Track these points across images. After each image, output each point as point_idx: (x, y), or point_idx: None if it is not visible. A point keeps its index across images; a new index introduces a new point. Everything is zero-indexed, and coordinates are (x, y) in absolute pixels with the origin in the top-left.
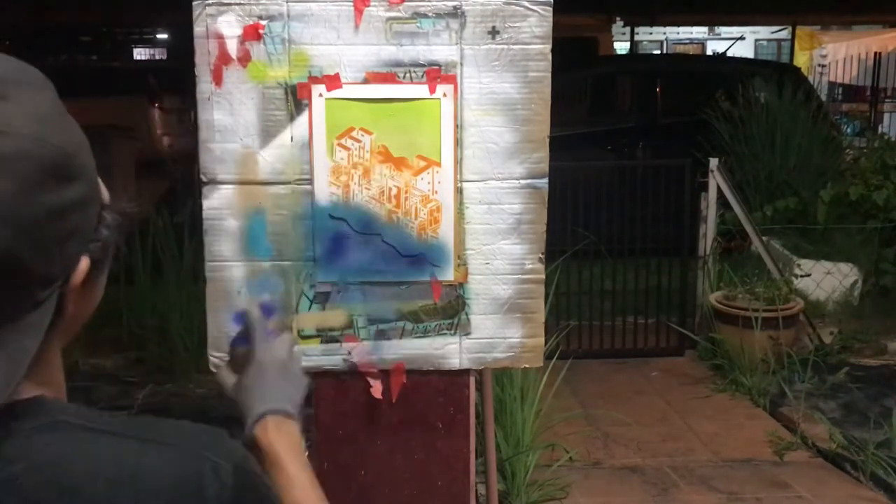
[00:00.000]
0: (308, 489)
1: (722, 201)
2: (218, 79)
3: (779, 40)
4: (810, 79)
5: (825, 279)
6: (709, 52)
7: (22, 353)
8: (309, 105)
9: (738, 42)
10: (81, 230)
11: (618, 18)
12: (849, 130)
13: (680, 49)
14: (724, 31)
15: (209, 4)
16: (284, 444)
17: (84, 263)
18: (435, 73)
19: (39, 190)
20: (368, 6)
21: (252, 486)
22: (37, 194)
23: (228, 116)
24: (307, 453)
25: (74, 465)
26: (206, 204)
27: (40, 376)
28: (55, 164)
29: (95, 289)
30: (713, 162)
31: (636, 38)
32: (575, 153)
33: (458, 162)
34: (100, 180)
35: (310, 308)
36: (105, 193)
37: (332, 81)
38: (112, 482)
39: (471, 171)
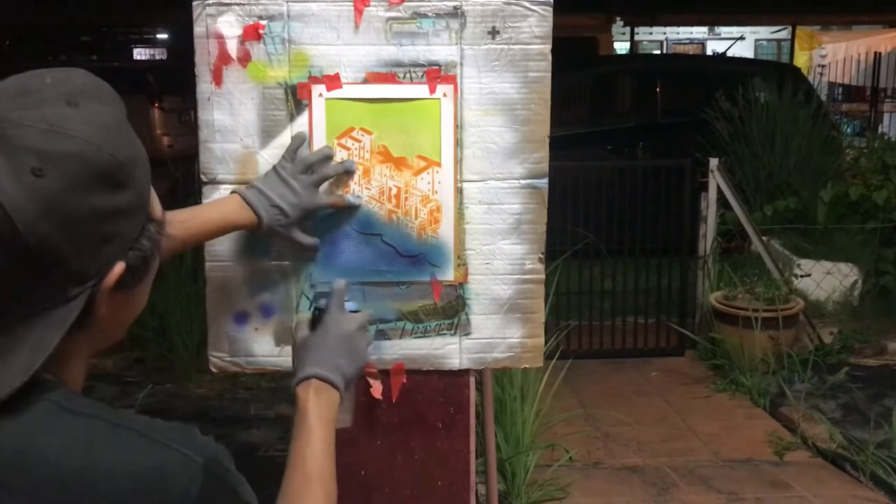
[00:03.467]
0: (321, 456)
1: (722, 201)
2: (218, 79)
3: (779, 40)
4: (810, 79)
5: (825, 279)
6: (709, 52)
7: (44, 345)
8: (309, 105)
9: (738, 42)
10: (122, 236)
11: (618, 18)
12: (849, 130)
13: (680, 49)
14: (724, 31)
15: (209, 4)
16: (319, 408)
17: (119, 267)
18: (435, 73)
19: (88, 191)
20: (368, 6)
21: (221, 481)
22: (84, 195)
23: (228, 116)
24: (341, 426)
25: (44, 444)
26: None
27: (60, 372)
28: (106, 170)
29: (131, 297)
30: (713, 162)
31: (636, 38)
32: (575, 153)
33: (458, 162)
34: (154, 197)
35: (310, 308)
36: (157, 209)
37: (332, 81)
38: (77, 464)
39: (471, 171)
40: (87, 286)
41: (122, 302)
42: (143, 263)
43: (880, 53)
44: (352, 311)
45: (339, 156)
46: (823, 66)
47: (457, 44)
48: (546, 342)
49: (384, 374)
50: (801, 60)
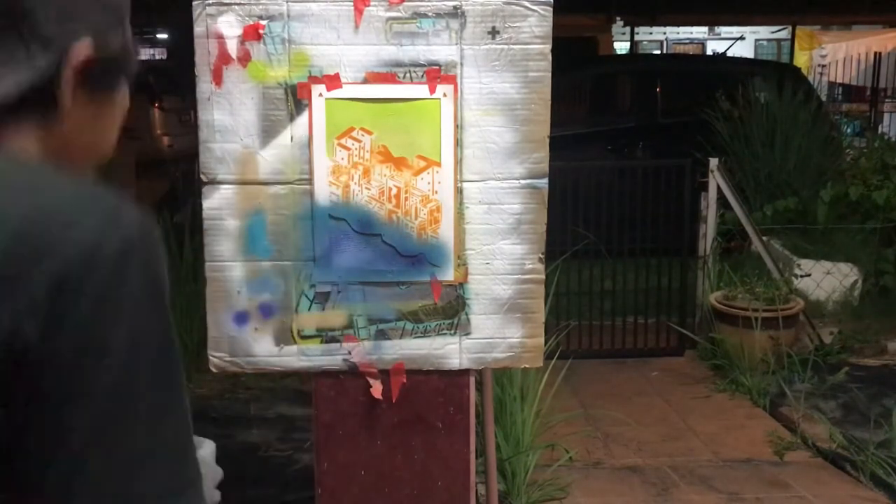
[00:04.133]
0: None
1: (722, 201)
2: (218, 79)
3: (779, 40)
4: (810, 79)
5: (825, 279)
6: (709, 52)
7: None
8: (309, 105)
9: (738, 42)
10: (91, 22)
11: (618, 18)
12: (849, 130)
13: (680, 49)
14: (724, 31)
15: (209, 4)
16: None
17: (85, 44)
18: (435, 73)
19: None
20: (368, 6)
21: (144, 255)
22: None
23: (228, 116)
24: None
25: None
26: (206, 204)
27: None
28: None
29: (97, 108)
30: (713, 162)
31: (636, 38)
32: (575, 153)
33: (458, 162)
34: (131, 43)
35: (310, 308)
36: (130, 53)
37: (332, 81)
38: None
39: (471, 171)
40: (50, 50)
41: (87, 108)
42: (108, 67)
43: (880, 53)
44: None
45: (339, 155)
46: (823, 66)
47: (457, 44)
48: (546, 342)
49: (384, 374)
50: (801, 60)
